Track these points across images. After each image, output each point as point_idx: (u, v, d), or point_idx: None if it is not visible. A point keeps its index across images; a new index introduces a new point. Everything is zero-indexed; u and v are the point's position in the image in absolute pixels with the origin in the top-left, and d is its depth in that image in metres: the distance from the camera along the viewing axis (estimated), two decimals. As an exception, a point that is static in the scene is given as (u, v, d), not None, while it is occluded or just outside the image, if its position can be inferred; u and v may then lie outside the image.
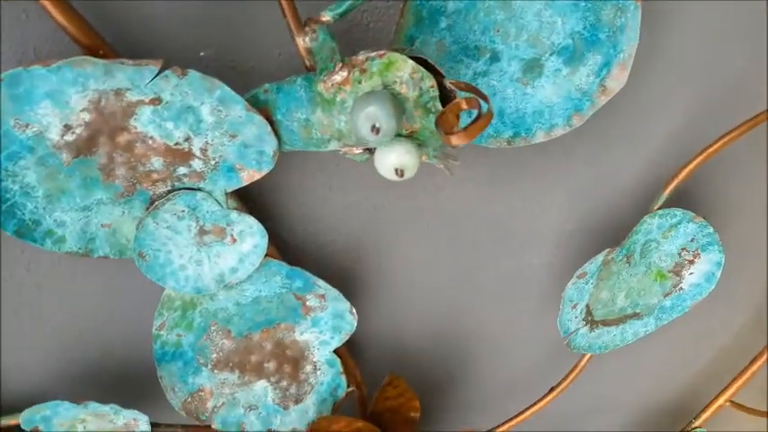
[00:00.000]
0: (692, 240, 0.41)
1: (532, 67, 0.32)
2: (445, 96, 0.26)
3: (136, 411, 0.34)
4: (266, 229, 0.32)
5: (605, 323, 0.43)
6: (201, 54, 0.30)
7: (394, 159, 0.27)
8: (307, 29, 0.27)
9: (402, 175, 0.27)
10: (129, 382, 0.37)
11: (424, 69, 0.25)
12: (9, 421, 0.33)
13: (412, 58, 0.26)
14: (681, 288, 0.43)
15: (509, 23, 0.31)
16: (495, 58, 0.31)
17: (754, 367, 0.47)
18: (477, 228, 0.40)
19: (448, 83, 0.26)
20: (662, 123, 0.41)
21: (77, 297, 0.34)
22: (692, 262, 0.42)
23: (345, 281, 0.39)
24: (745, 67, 0.41)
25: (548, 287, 0.44)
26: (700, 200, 0.45)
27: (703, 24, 0.38)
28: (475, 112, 0.23)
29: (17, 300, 0.33)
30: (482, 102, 0.24)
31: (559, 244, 0.43)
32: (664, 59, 0.39)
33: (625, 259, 0.41)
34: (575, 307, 0.42)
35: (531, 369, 0.47)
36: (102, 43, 0.26)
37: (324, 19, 0.27)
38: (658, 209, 0.40)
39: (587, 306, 0.42)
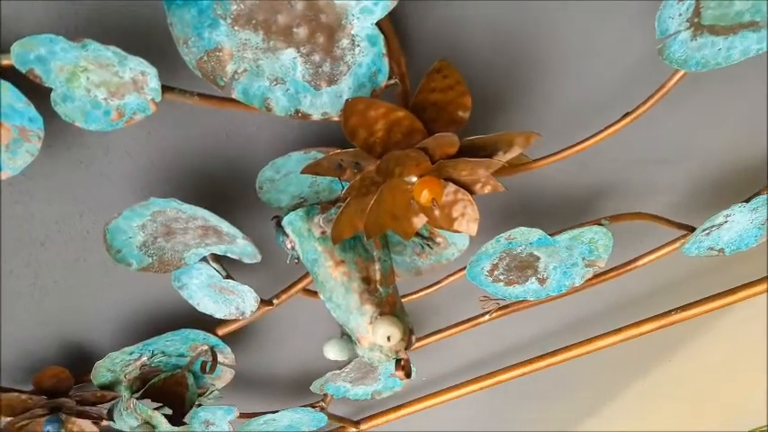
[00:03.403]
0: None
1: None
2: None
3: (143, 61, 0.29)
4: None
5: (713, 30, 0.35)
6: None
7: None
8: None
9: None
10: (136, 29, 0.31)
11: None
12: (0, 61, 0.29)
13: None
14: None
15: None
16: None
17: None
18: None
19: None
20: None
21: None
22: None
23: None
24: None
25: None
26: None
27: None
28: None
29: None
30: None
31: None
32: None
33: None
34: (681, 0, 0.33)
35: (608, 89, 0.39)
36: None
37: None
38: None
39: (697, 2, 0.34)
